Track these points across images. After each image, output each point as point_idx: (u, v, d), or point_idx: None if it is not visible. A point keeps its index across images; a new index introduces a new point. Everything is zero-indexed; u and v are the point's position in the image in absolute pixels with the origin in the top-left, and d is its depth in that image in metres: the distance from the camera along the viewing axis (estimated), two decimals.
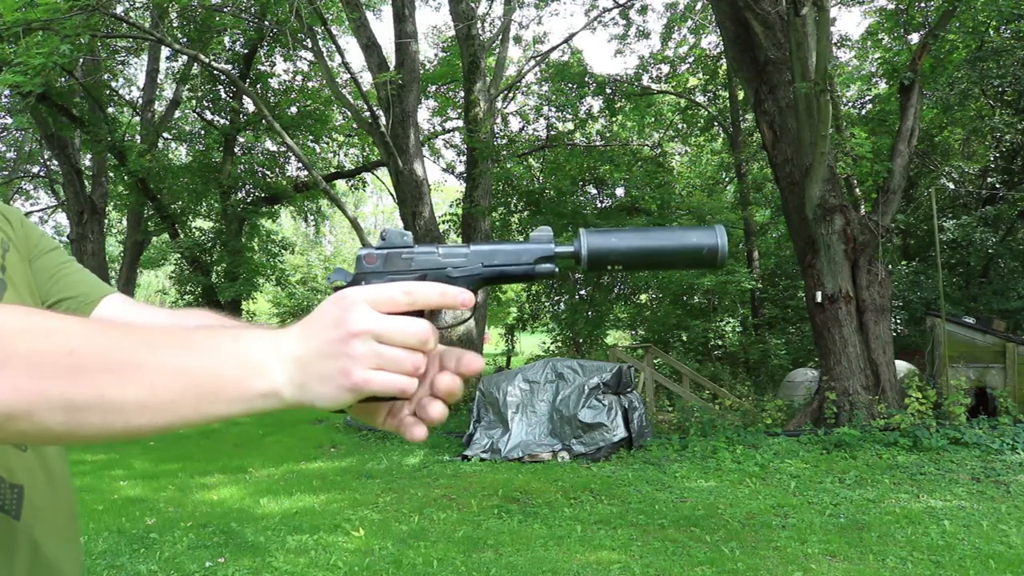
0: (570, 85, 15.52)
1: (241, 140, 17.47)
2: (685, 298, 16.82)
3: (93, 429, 0.59)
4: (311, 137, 18.63)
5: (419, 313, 0.67)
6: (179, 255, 18.62)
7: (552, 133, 16.84)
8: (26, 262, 0.92)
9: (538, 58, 16.73)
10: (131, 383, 0.59)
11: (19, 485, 0.77)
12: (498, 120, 15.55)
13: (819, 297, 9.01)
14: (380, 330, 0.63)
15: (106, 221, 19.49)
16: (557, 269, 0.73)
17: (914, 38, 11.09)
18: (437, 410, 0.68)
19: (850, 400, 8.73)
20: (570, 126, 17.44)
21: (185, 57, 15.30)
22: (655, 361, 12.04)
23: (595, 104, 16.67)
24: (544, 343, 18.36)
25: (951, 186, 15.05)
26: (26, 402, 0.57)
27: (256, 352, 0.63)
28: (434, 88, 17.63)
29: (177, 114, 19.12)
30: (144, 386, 0.59)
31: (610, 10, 16.30)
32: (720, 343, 16.60)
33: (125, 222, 20.84)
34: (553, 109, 16.53)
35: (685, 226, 0.74)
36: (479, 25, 13.52)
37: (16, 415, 0.57)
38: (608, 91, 15.64)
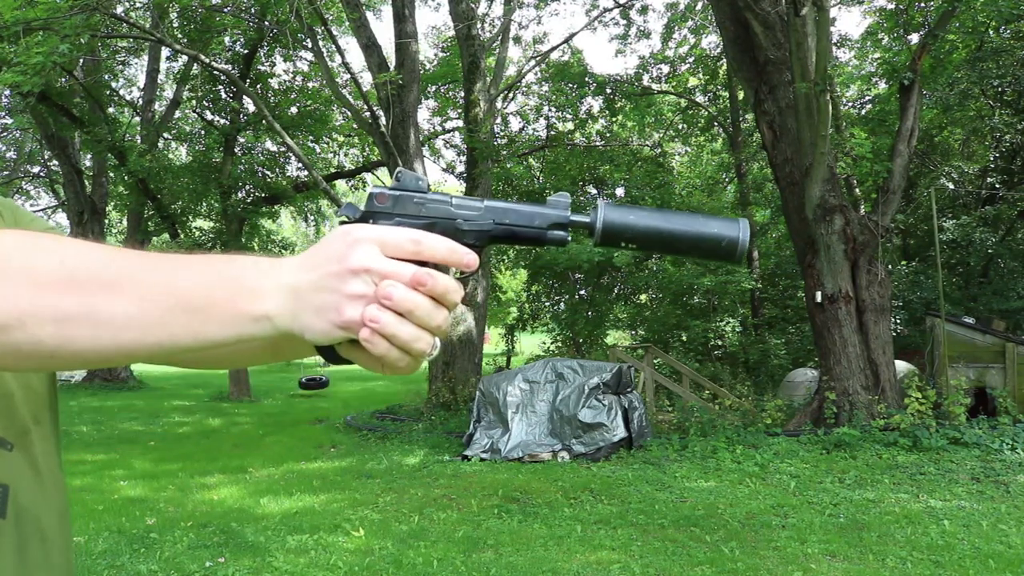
0: (570, 85, 15.52)
1: (241, 140, 17.46)
2: (685, 298, 16.82)
3: (83, 343, 0.59)
4: (311, 137, 18.62)
5: (422, 265, 0.65)
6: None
7: (552, 133, 16.84)
8: None
9: (538, 58, 16.73)
10: (121, 296, 0.59)
11: (4, 484, 0.77)
12: (498, 120, 15.55)
13: (819, 297, 9.02)
14: (382, 271, 0.61)
15: (106, 221, 19.51)
16: (569, 238, 0.71)
17: (914, 38, 11.08)
18: (425, 342, 0.64)
19: (850, 400, 8.74)
20: (570, 126, 17.44)
21: (185, 57, 15.30)
22: (655, 361, 12.04)
23: (595, 104, 16.68)
24: (544, 343, 18.36)
25: (951, 186, 15.05)
26: (19, 311, 0.57)
27: (251, 276, 0.62)
28: (434, 88, 17.62)
29: (177, 114, 19.12)
30: (133, 300, 0.59)
31: (610, 10, 16.30)
32: (720, 343, 16.61)
33: (125, 222, 20.85)
34: (553, 109, 16.54)
35: (707, 214, 0.72)
36: (479, 25, 13.52)
37: (10, 325, 0.57)
38: (608, 91, 15.64)
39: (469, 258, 0.66)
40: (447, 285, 0.63)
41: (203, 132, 18.72)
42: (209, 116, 17.51)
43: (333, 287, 0.61)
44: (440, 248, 0.64)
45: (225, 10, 14.85)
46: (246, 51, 16.00)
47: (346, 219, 0.68)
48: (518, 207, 0.71)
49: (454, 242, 0.66)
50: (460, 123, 16.50)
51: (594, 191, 17.32)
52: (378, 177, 20.39)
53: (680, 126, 18.69)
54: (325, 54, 13.44)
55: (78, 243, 0.62)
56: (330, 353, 0.69)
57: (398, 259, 0.63)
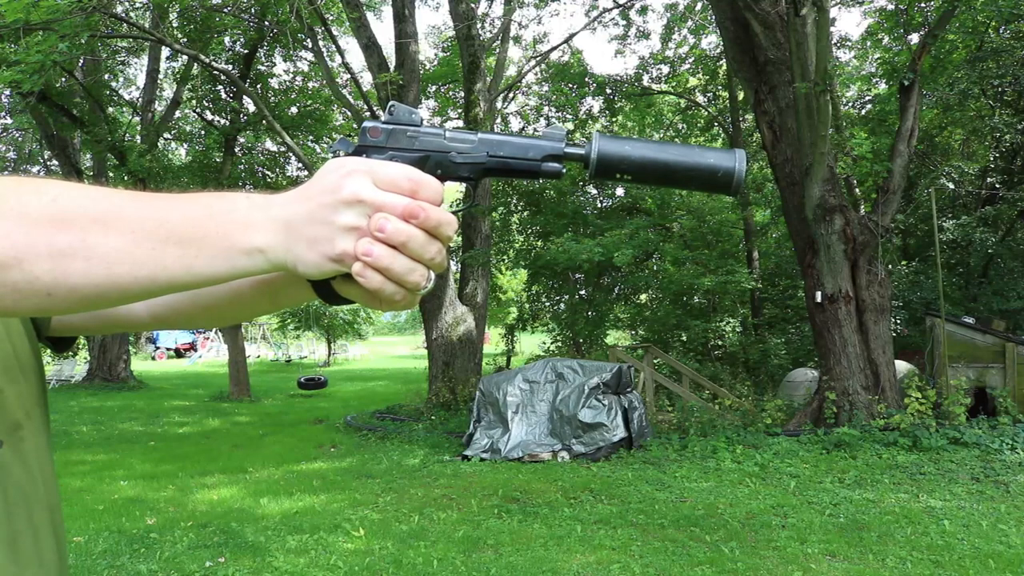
0: (570, 85, 15.52)
1: (241, 140, 17.46)
2: (685, 298, 16.82)
3: (78, 278, 0.59)
4: (311, 137, 18.61)
5: None
6: None
7: None
8: None
9: (538, 58, 16.73)
10: (113, 231, 0.59)
11: None
12: (498, 120, 15.55)
13: (819, 297, 9.02)
14: (376, 203, 0.61)
15: None
16: (564, 170, 0.70)
17: (914, 38, 11.09)
18: (419, 274, 0.63)
19: (850, 400, 8.74)
20: (570, 126, 17.44)
21: (185, 57, 15.30)
22: (655, 361, 12.04)
23: (595, 104, 16.68)
24: (544, 343, 18.36)
25: (951, 186, 15.05)
26: (15, 250, 0.57)
27: (243, 209, 0.62)
28: (434, 88, 17.63)
29: (177, 114, 19.11)
30: (125, 234, 0.59)
31: (610, 10, 16.30)
32: (720, 343, 16.60)
33: None
34: (553, 109, 16.54)
35: (703, 145, 0.71)
36: (479, 25, 13.53)
37: (7, 264, 0.58)
38: (608, 91, 15.65)
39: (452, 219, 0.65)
40: (440, 217, 0.63)
41: (203, 132, 18.72)
42: (209, 116, 17.51)
43: (326, 219, 0.60)
44: (434, 192, 0.63)
45: (225, 10, 14.85)
46: (246, 51, 16.00)
47: (338, 154, 0.67)
48: (512, 139, 0.70)
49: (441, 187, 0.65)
50: (460, 123, 16.50)
51: (594, 191, 17.33)
52: None
53: (680, 126, 18.69)
54: (325, 54, 13.44)
55: (70, 183, 0.62)
56: (327, 292, 0.68)
57: (393, 192, 0.62)
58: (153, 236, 0.60)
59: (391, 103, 0.70)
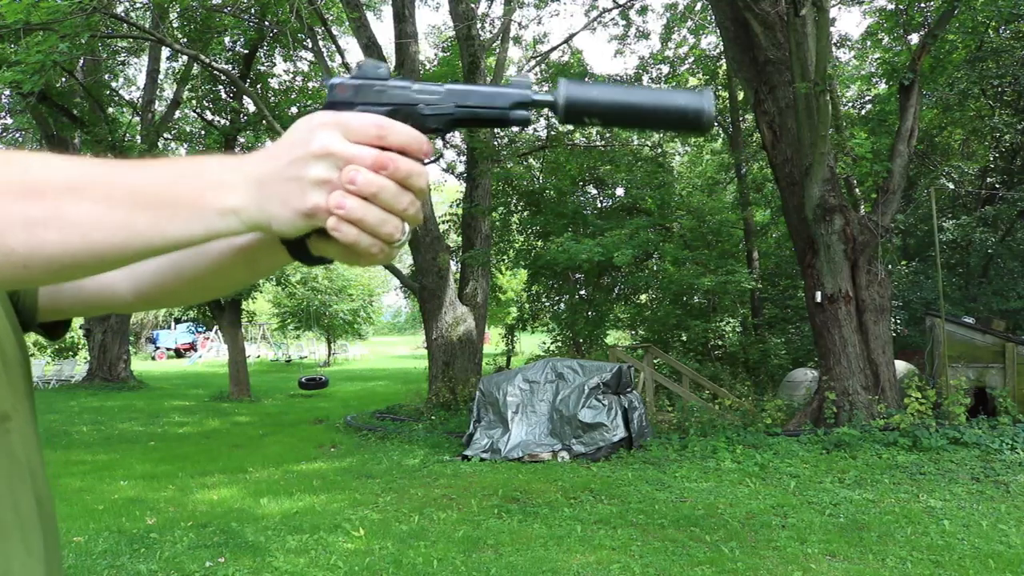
0: None
1: (241, 140, 17.45)
2: (685, 298, 16.81)
3: (54, 247, 0.60)
4: None
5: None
6: None
7: (552, 133, 16.84)
8: None
9: (538, 58, 16.74)
10: (86, 198, 0.60)
11: None
12: None
13: (819, 297, 9.02)
14: (345, 155, 0.61)
15: None
16: (532, 118, 0.71)
17: (914, 38, 11.09)
18: (393, 225, 0.63)
19: (850, 400, 8.74)
20: (570, 126, 17.43)
21: (185, 57, 15.30)
22: (655, 361, 12.04)
23: None
24: (544, 343, 18.36)
25: (951, 186, 15.05)
26: None
27: (215, 170, 0.62)
28: None
29: (177, 114, 19.11)
30: (98, 200, 0.60)
31: (610, 10, 16.32)
32: (720, 343, 16.60)
33: None
34: None
35: (671, 89, 0.72)
36: (479, 25, 13.53)
37: None
38: None
39: (426, 147, 0.65)
40: (410, 168, 0.63)
41: (203, 132, 18.72)
42: (209, 116, 17.51)
43: (296, 174, 0.60)
44: (403, 135, 0.64)
45: (225, 10, 14.85)
46: (246, 51, 16.00)
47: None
48: (480, 88, 0.70)
49: (417, 132, 0.65)
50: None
51: (594, 191, 17.33)
52: None
53: None
54: (325, 54, 13.45)
55: (43, 154, 0.62)
56: (303, 253, 0.68)
57: (361, 144, 0.62)
58: (126, 201, 0.60)
59: (360, 60, 0.71)
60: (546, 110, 0.71)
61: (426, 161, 0.68)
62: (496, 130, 14.72)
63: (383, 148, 0.63)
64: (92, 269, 0.64)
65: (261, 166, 0.62)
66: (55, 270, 0.62)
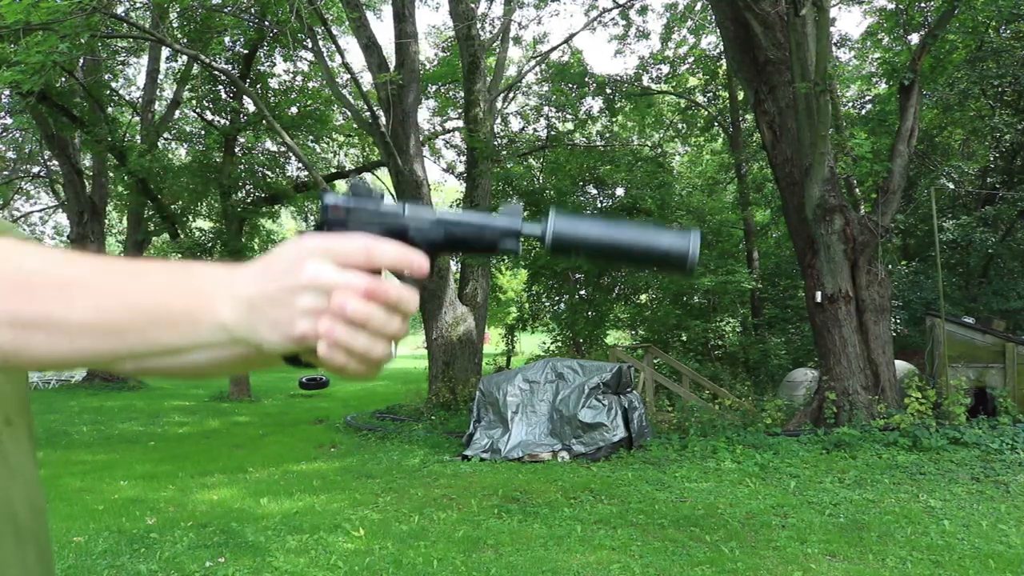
0: (570, 85, 15.52)
1: (241, 140, 17.46)
2: (685, 298, 16.82)
3: (40, 349, 0.59)
4: (311, 137, 18.62)
5: (376, 275, 0.65)
6: (179, 255, 18.62)
7: (552, 133, 16.84)
8: None
9: (538, 58, 16.74)
10: (77, 303, 0.59)
11: None
12: (498, 120, 15.55)
13: (819, 297, 9.02)
14: (331, 284, 0.61)
15: (106, 221, 19.50)
16: (520, 248, 0.72)
17: (914, 38, 11.10)
18: (381, 349, 0.64)
19: (850, 400, 8.74)
20: (570, 126, 17.44)
21: (185, 57, 15.30)
22: (655, 361, 12.04)
23: (595, 104, 16.68)
24: (544, 343, 18.36)
25: (951, 186, 15.05)
26: None
27: (208, 285, 0.62)
28: (434, 88, 17.63)
29: (177, 114, 19.13)
30: (90, 307, 0.59)
31: (610, 10, 16.31)
32: (720, 343, 16.60)
33: (125, 222, 20.85)
34: (553, 109, 16.54)
35: (659, 227, 0.72)
36: (479, 25, 13.52)
37: None
38: (608, 91, 15.64)
39: (420, 262, 0.66)
40: (400, 295, 0.63)
41: (203, 132, 18.72)
42: (209, 116, 17.51)
43: (286, 301, 0.61)
44: (390, 254, 0.64)
45: (225, 10, 14.85)
46: (246, 51, 16.00)
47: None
48: (470, 218, 0.71)
49: (404, 246, 0.66)
50: (460, 123, 16.51)
51: (594, 191, 17.32)
52: (378, 177, 20.39)
53: (680, 126, 18.68)
54: (325, 54, 13.44)
55: (37, 248, 0.62)
56: (294, 359, 0.69)
57: (351, 267, 0.62)
58: (118, 310, 0.60)
59: (352, 179, 0.71)
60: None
61: (420, 279, 0.69)
62: (495, 129, 14.73)
63: (374, 269, 0.64)
64: (77, 367, 0.65)
65: (251, 287, 0.62)
66: (36, 366, 0.62)
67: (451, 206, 16.20)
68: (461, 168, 17.21)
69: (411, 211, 0.70)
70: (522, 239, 0.71)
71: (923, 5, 10.79)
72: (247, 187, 18.04)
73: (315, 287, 0.61)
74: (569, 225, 0.70)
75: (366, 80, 14.31)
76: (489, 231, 0.70)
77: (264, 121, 13.39)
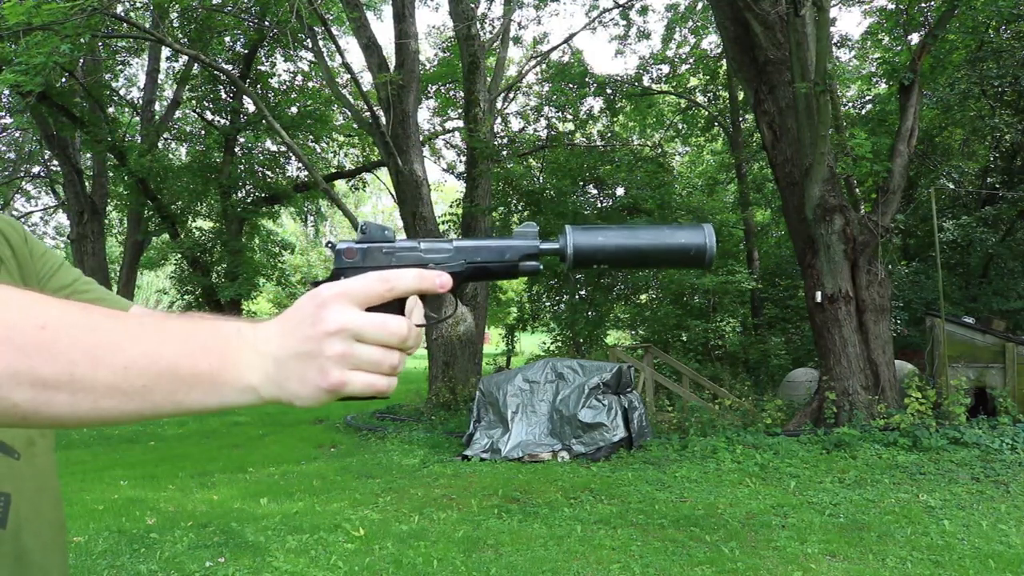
0: (570, 85, 15.52)
1: (241, 140, 17.47)
2: (685, 298, 16.82)
3: (61, 408, 0.57)
4: (311, 137, 18.63)
5: (401, 304, 0.65)
6: (179, 255, 18.63)
7: (552, 133, 16.84)
8: (19, 280, 0.88)
9: (538, 58, 16.74)
10: (103, 365, 0.57)
11: (6, 493, 0.77)
12: (498, 120, 15.54)
13: (819, 297, 9.01)
14: (358, 328, 0.61)
15: (106, 221, 19.50)
16: (541, 267, 0.72)
17: (914, 38, 11.09)
18: (383, 384, 0.64)
19: (850, 400, 8.74)
20: (570, 126, 17.44)
21: (185, 57, 15.30)
22: (655, 361, 12.04)
23: (596, 104, 16.68)
24: (544, 343, 18.36)
25: (951, 186, 15.05)
26: None
27: (233, 346, 0.62)
28: (434, 88, 17.63)
29: (177, 114, 19.12)
30: (116, 369, 0.58)
31: (610, 10, 16.32)
32: (720, 343, 16.60)
33: (125, 222, 20.84)
34: (553, 109, 16.54)
35: (673, 224, 0.72)
36: (479, 25, 13.52)
37: None
38: (608, 91, 15.65)
39: (441, 279, 0.66)
40: (417, 339, 0.66)
41: (203, 132, 18.73)
42: (209, 116, 17.52)
43: (314, 352, 0.61)
44: (410, 280, 0.64)
45: (225, 10, 14.86)
46: (246, 51, 16.02)
47: (317, 280, 0.69)
48: (487, 243, 0.71)
49: (420, 269, 0.66)
50: (460, 123, 16.51)
51: (594, 191, 17.32)
52: (378, 177, 20.38)
53: (680, 126, 18.68)
54: (325, 54, 13.44)
55: (63, 304, 0.60)
56: None
57: (372, 306, 0.63)
58: (145, 373, 0.59)
59: (363, 222, 0.71)
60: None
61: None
62: (495, 129, 14.72)
63: (397, 304, 0.65)
64: (96, 426, 0.65)
65: (277, 344, 0.62)
66: (56, 425, 0.61)
67: (451, 205, 16.19)
68: (461, 168, 17.21)
69: (427, 244, 0.70)
70: (542, 258, 0.72)
71: (923, 5, 10.79)
72: (247, 187, 18.06)
73: (341, 332, 0.61)
74: (587, 237, 0.70)
75: (366, 80, 14.32)
76: (510, 253, 0.70)
77: (264, 121, 13.39)
